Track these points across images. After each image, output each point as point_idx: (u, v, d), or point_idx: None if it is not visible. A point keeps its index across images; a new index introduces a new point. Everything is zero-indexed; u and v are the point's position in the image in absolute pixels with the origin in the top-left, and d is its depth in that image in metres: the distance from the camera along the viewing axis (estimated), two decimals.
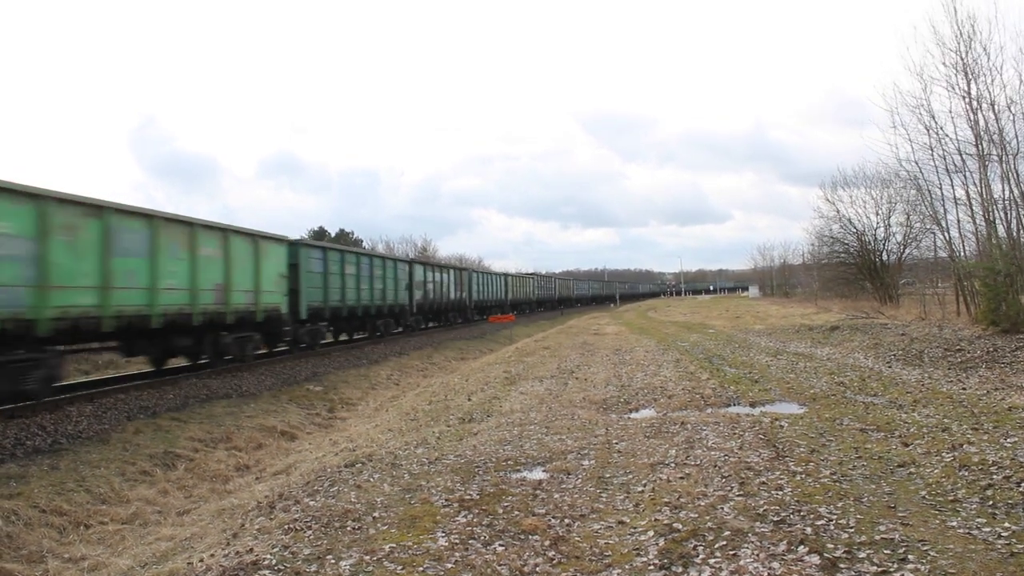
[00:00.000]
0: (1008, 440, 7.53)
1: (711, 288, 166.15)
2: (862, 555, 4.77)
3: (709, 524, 5.53)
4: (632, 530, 5.58)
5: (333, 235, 75.53)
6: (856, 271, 43.02)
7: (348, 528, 6.04)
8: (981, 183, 20.19)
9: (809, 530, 5.27)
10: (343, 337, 29.76)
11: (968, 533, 5.08)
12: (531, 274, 77.70)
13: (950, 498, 5.89)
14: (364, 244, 79.38)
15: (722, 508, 5.92)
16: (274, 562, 5.36)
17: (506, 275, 61.88)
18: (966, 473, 6.52)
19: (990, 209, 19.80)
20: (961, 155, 20.89)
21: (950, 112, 20.94)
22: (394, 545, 5.51)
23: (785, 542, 5.06)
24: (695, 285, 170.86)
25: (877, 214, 40.66)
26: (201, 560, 5.79)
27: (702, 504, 6.05)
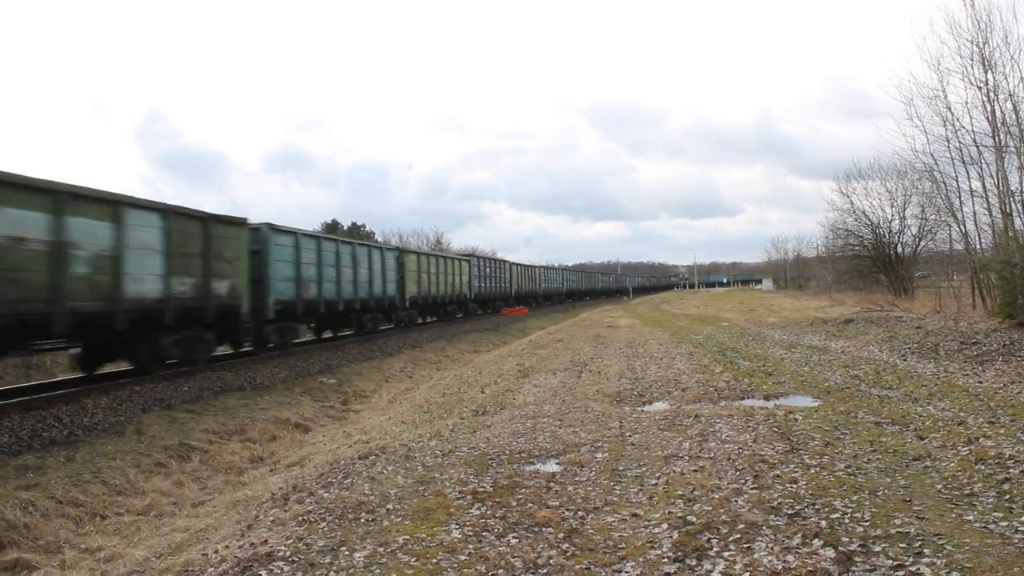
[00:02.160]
0: None
1: (724, 281, 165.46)
2: (877, 549, 4.75)
3: (723, 517, 5.52)
4: (646, 523, 5.57)
5: (346, 228, 75.64)
6: (871, 264, 42.84)
7: (362, 520, 6.05)
8: (998, 175, 20.03)
9: (824, 523, 5.25)
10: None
11: (985, 527, 5.05)
12: (469, 255, 45.80)
13: (966, 492, 5.85)
14: (377, 237, 79.46)
15: (736, 501, 5.91)
16: (288, 553, 5.38)
17: (399, 251, 33.12)
18: (982, 467, 6.47)
19: (1007, 201, 19.63)
20: (977, 146, 20.72)
21: (966, 103, 20.77)
22: (408, 537, 5.52)
23: (800, 535, 5.04)
24: (708, 278, 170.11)
25: (892, 206, 40.51)
26: (216, 551, 5.82)
27: (716, 497, 6.04)
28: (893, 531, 5.03)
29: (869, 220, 41.88)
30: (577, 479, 6.91)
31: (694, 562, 4.76)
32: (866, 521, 5.26)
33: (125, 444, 10.94)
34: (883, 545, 4.80)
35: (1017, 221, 19.40)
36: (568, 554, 5.04)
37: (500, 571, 4.83)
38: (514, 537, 5.42)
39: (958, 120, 21.06)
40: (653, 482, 6.66)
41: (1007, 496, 5.67)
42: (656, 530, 5.38)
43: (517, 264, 60.28)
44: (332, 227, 73.57)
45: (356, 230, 76.09)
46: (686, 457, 7.44)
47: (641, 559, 4.87)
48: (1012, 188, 19.58)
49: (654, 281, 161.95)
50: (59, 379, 16.97)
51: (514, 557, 5.02)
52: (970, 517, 5.26)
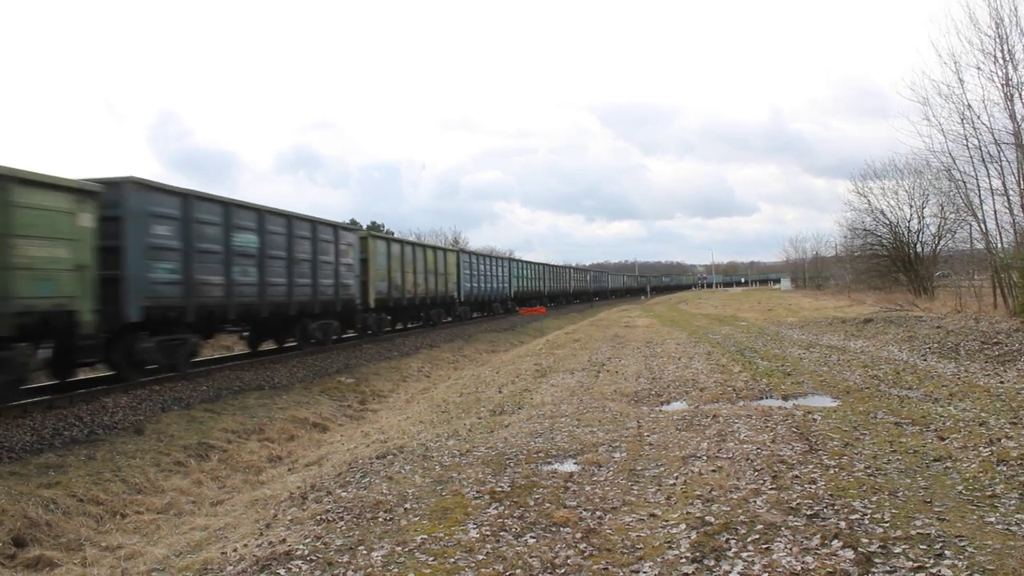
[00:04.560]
0: None
1: (742, 280, 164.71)
2: (897, 550, 4.71)
3: (741, 517, 5.49)
4: (664, 523, 5.55)
5: (365, 227, 75.80)
6: (890, 263, 42.54)
7: (380, 519, 6.07)
8: (1019, 172, 19.84)
9: (843, 524, 5.22)
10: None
11: (1007, 529, 5.00)
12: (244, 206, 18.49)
13: (988, 493, 5.79)
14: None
15: (755, 501, 5.88)
16: (307, 552, 5.40)
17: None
18: (1004, 468, 6.41)
19: None
20: (997, 144, 20.52)
21: (985, 100, 20.59)
22: (425, 536, 5.53)
23: (819, 536, 5.02)
24: (726, 278, 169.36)
25: (910, 205, 40.23)
26: (235, 550, 5.85)
27: (734, 497, 6.01)
28: (913, 532, 4.99)
29: (887, 219, 41.62)
30: (595, 479, 6.90)
31: (712, 562, 4.75)
32: (886, 522, 5.22)
33: (145, 443, 11.02)
34: (903, 546, 4.76)
35: None
36: (586, 554, 5.03)
37: (518, 571, 4.83)
38: (532, 537, 5.42)
39: (977, 118, 20.88)
40: (671, 482, 6.64)
41: None
42: (674, 530, 5.36)
43: (411, 243, 32.76)
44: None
45: (375, 229, 76.21)
46: (704, 457, 7.41)
47: (659, 559, 4.86)
48: None
49: (644, 282, 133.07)
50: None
51: (532, 557, 5.02)
52: (992, 519, 5.21)
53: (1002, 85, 19.69)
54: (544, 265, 64.20)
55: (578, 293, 78.32)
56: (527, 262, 58.70)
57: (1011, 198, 20.39)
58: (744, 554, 4.83)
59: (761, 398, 10.87)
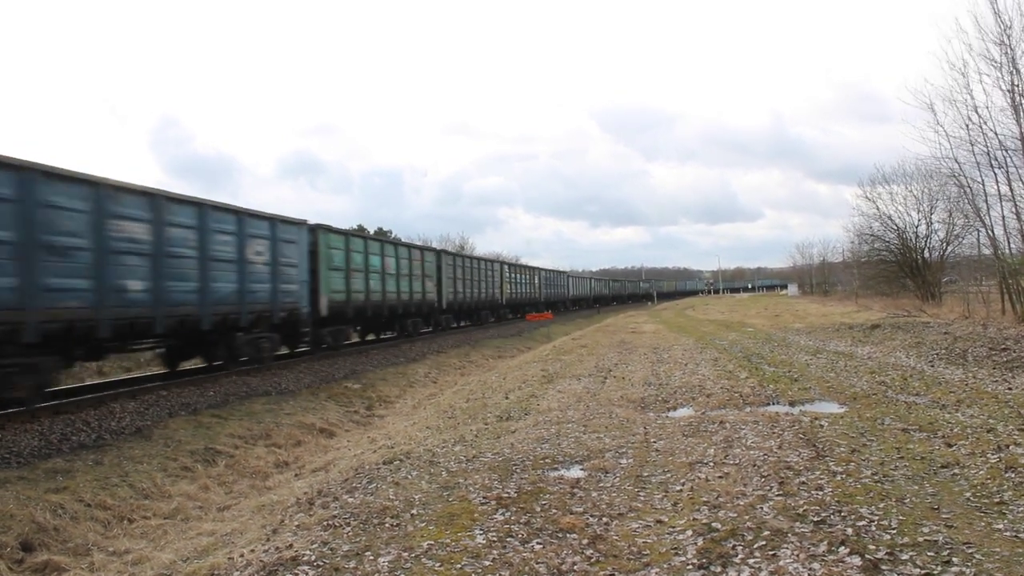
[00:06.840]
0: None
1: (749, 286, 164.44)
2: (905, 557, 4.70)
3: (748, 524, 5.49)
4: (670, 529, 5.55)
5: (372, 232, 75.88)
6: (897, 269, 42.45)
7: (386, 525, 6.07)
8: None
9: (850, 531, 5.20)
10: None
11: (1015, 536, 4.98)
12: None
13: (996, 500, 5.78)
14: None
15: (761, 508, 5.87)
16: (313, 558, 5.41)
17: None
18: (1012, 475, 6.39)
19: None
20: (1004, 150, 20.47)
21: (989, 107, 20.55)
22: (432, 542, 5.53)
23: (826, 543, 5.00)
24: (733, 284, 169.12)
25: (918, 211, 40.08)
26: (241, 555, 5.86)
27: (741, 504, 6.00)
28: (921, 539, 4.98)
29: (895, 225, 41.52)
30: (601, 485, 6.89)
31: (719, 569, 4.74)
32: (893, 529, 5.21)
33: (152, 448, 11.05)
34: (911, 553, 4.75)
35: None
36: (592, 560, 5.03)
37: None
38: (538, 543, 5.42)
39: (983, 123, 20.83)
40: (678, 488, 6.63)
41: None
42: (681, 537, 5.36)
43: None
44: (359, 231, 73.75)
45: (382, 235, 76.28)
46: (711, 463, 7.40)
47: (665, 566, 4.86)
48: None
49: (618, 288, 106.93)
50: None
51: (538, 563, 5.02)
52: (1000, 525, 5.20)
53: (1008, 91, 19.66)
54: (432, 251, 34.52)
55: (517, 304, 49.84)
56: (385, 241, 30.32)
57: (1018, 204, 20.36)
58: (751, 561, 4.82)
59: (768, 404, 10.85)
